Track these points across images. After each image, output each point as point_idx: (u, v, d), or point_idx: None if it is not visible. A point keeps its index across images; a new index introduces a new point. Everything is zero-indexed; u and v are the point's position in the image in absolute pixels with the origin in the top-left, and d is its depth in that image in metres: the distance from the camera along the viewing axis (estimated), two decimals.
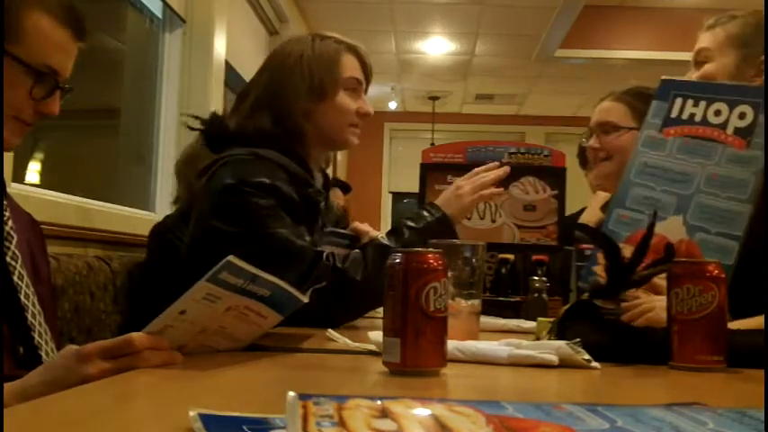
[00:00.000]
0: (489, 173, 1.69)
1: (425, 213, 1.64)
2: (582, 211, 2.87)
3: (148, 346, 0.90)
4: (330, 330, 1.27)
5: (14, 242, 1.18)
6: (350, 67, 1.75)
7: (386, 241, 1.61)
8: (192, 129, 1.77)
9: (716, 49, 1.51)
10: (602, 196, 2.34)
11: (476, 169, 1.70)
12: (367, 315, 1.63)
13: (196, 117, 1.77)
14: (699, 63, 1.54)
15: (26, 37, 1.14)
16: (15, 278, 1.15)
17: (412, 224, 1.62)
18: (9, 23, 1.12)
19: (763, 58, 1.45)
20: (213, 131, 1.74)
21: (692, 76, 1.55)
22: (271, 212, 1.54)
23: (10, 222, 1.19)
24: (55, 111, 1.20)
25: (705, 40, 1.54)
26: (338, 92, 1.73)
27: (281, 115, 1.69)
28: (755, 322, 1.16)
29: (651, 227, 1.12)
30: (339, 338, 1.21)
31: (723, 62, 1.50)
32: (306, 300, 1.09)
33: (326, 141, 1.76)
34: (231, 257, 0.90)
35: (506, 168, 1.70)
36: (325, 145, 1.78)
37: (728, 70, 1.49)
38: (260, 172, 1.57)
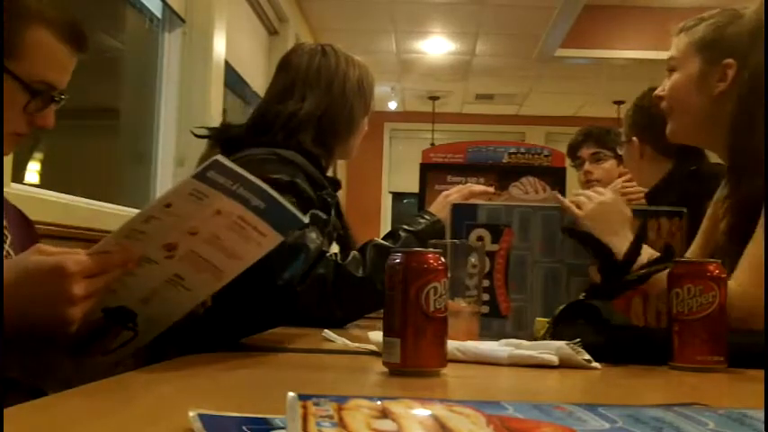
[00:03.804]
0: (476, 185, 1.78)
1: (420, 219, 1.69)
2: None
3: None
4: (326, 331, 1.26)
5: (8, 241, 1.18)
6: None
7: (383, 243, 1.64)
8: (200, 136, 1.81)
9: (680, 57, 1.52)
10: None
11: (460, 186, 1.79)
12: (367, 315, 1.64)
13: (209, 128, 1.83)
14: (669, 71, 1.55)
15: (26, 53, 1.12)
16: None
17: (408, 227, 1.67)
18: (9, 39, 1.11)
19: (727, 60, 1.43)
20: (230, 135, 1.78)
21: (666, 84, 1.54)
22: None
23: (5, 222, 1.19)
24: (50, 124, 1.19)
25: (672, 47, 1.54)
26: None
27: (328, 137, 1.77)
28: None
29: (644, 227, 1.12)
30: (336, 339, 1.21)
31: (688, 70, 1.50)
32: (306, 220, 1.08)
33: (340, 155, 1.87)
34: (219, 157, 0.90)
35: (491, 188, 1.77)
36: (337, 157, 1.88)
37: (694, 78, 1.48)
38: (280, 170, 1.62)
